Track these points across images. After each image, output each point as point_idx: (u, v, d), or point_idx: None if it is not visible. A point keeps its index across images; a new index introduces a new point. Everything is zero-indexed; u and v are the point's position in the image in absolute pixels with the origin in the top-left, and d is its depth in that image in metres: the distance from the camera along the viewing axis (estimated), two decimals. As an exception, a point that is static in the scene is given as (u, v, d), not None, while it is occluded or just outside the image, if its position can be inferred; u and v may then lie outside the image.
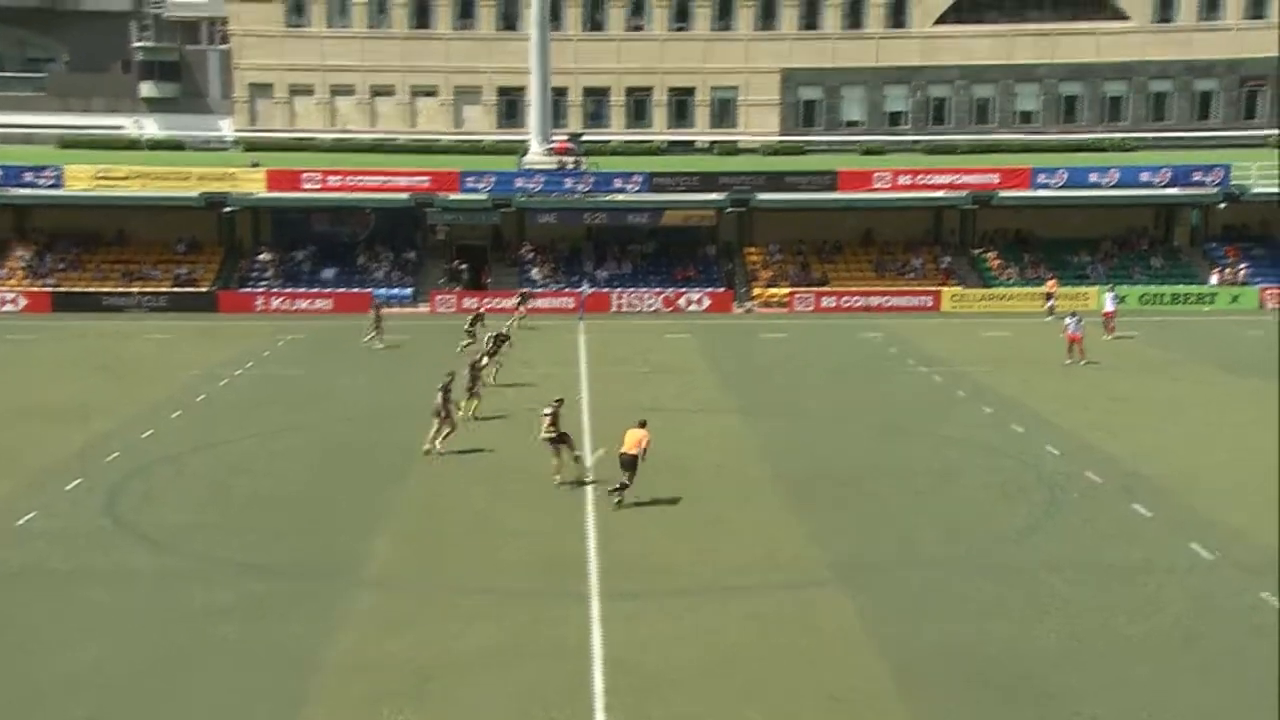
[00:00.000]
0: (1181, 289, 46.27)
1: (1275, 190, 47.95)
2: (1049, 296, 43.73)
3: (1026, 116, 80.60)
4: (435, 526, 19.53)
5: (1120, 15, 79.26)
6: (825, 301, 46.86)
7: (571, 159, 52.79)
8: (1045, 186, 48.57)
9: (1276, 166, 49.77)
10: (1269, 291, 45.98)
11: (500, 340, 31.89)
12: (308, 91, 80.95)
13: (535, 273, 48.96)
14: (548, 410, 21.75)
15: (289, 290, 47.03)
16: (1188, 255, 48.97)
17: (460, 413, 25.06)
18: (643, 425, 20.50)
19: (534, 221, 49.89)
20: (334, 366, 34.50)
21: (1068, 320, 34.78)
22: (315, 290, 47.20)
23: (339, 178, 48.95)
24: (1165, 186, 48.15)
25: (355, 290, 46.96)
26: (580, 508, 20.33)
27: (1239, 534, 18.89)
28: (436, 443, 23.68)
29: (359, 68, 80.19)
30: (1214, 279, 47.08)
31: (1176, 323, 41.90)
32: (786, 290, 47.40)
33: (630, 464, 20.17)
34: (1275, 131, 76.07)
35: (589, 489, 21.24)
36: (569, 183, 49.50)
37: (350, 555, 18.13)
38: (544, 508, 20.38)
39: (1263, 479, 22.14)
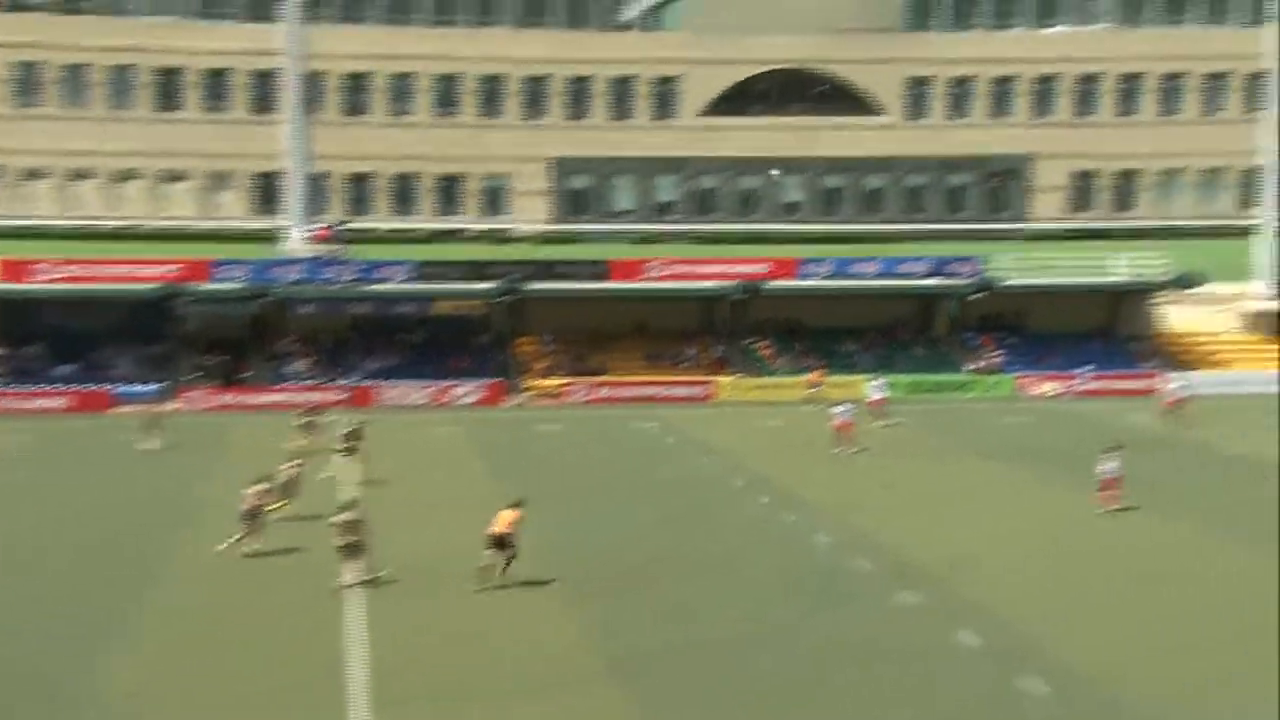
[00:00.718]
0: (942, 377, 48.83)
1: (1027, 281, 51.39)
2: (812, 385, 45.24)
3: (792, 207, 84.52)
4: (196, 635, 18.71)
5: (877, 111, 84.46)
6: (600, 392, 47.35)
7: (334, 247, 52.03)
8: (812, 276, 50.55)
9: (1026, 258, 53.44)
10: (1023, 379, 49.02)
11: (354, 435, 31.60)
12: (43, 175, 77.37)
13: (298, 365, 47.74)
14: (342, 517, 21.27)
15: (18, 389, 44.47)
16: (947, 344, 51.80)
17: (271, 513, 24.30)
18: (515, 506, 21.23)
19: (295, 312, 48.77)
20: (75, 469, 32.66)
21: (837, 409, 36.08)
22: (49, 388, 44.77)
23: (76, 267, 46.82)
24: (924, 277, 50.87)
25: (94, 387, 44.78)
26: (353, 612, 19.85)
27: (1004, 620, 19.78)
28: (240, 543, 23.09)
29: (99, 151, 77.23)
30: (971, 367, 49.89)
31: (938, 410, 44.03)
32: (561, 381, 47.68)
33: (498, 543, 20.71)
34: (1023, 224, 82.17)
35: (365, 592, 20.77)
36: (331, 271, 48.70)
37: (80, 669, 17.07)
38: (317, 613, 19.80)
39: (1024, 563, 23.39)
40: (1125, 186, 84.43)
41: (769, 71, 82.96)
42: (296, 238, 53.14)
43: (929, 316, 52.75)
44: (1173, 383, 42.09)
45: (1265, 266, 53.82)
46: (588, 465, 33.58)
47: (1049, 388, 48.17)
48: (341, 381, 46.63)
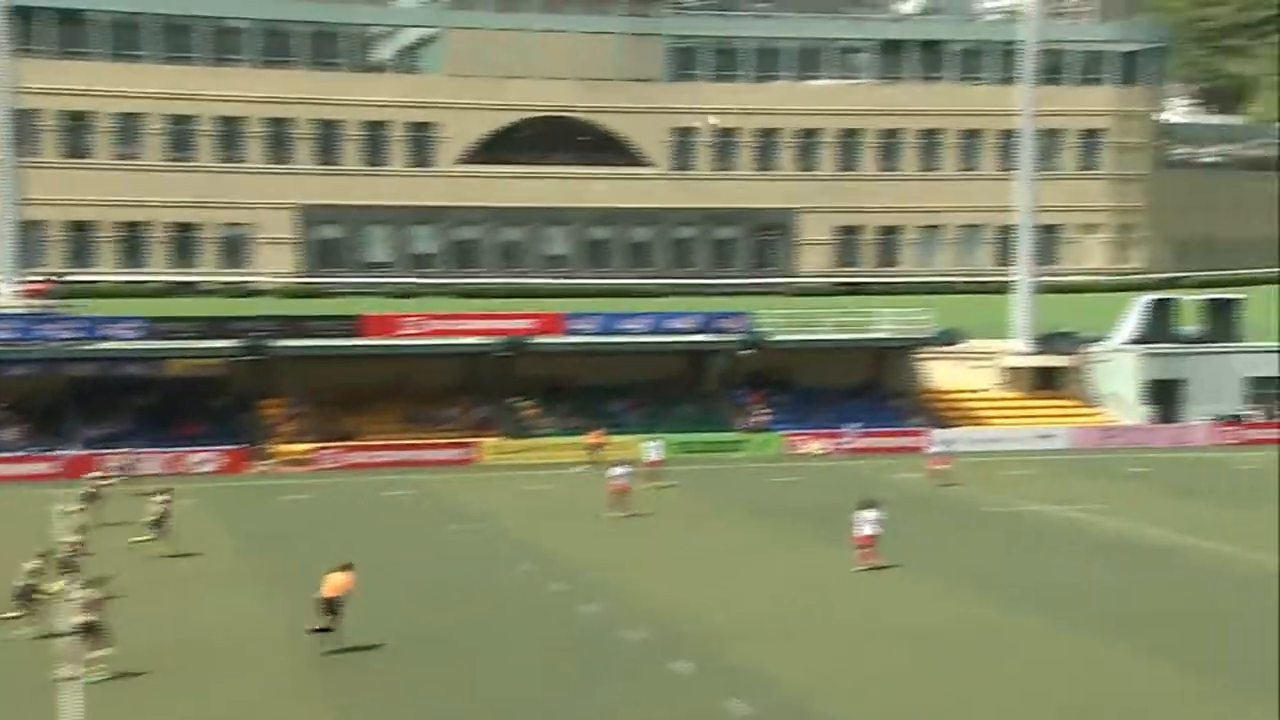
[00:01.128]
0: (712, 436, 50.08)
1: (794, 337, 53.35)
2: (593, 446, 45.34)
3: (557, 260, 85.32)
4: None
5: (643, 161, 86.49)
6: (353, 457, 46.60)
7: (50, 302, 49.72)
8: (578, 333, 51.19)
9: (793, 314, 55.49)
10: (791, 437, 50.68)
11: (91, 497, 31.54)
12: None
13: (4, 434, 45.23)
14: (80, 594, 20.67)
15: None
16: (716, 402, 53.19)
17: (49, 593, 23.39)
18: (346, 569, 21.71)
19: (4, 374, 46.29)
20: None
21: (616, 470, 36.37)
22: None
23: None
24: (693, 333, 52.18)
25: None
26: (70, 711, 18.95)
27: (775, 684, 20.36)
28: (14, 622, 22.72)
29: None
30: (741, 426, 51.31)
31: (709, 471, 45.10)
32: (310, 446, 46.71)
33: (328, 607, 21.20)
34: (790, 279, 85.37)
35: (94, 683, 19.88)
36: (47, 329, 46.49)
37: None
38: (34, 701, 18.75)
39: (799, 625, 24.21)
40: (888, 242, 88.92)
41: (532, 118, 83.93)
42: (6, 292, 50.51)
43: (698, 374, 54.02)
44: (934, 443, 44.23)
45: (1021, 323, 57.45)
46: (339, 537, 32.94)
47: (817, 446, 49.98)
48: (59, 451, 44.40)
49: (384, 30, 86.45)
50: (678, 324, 52.71)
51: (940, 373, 56.38)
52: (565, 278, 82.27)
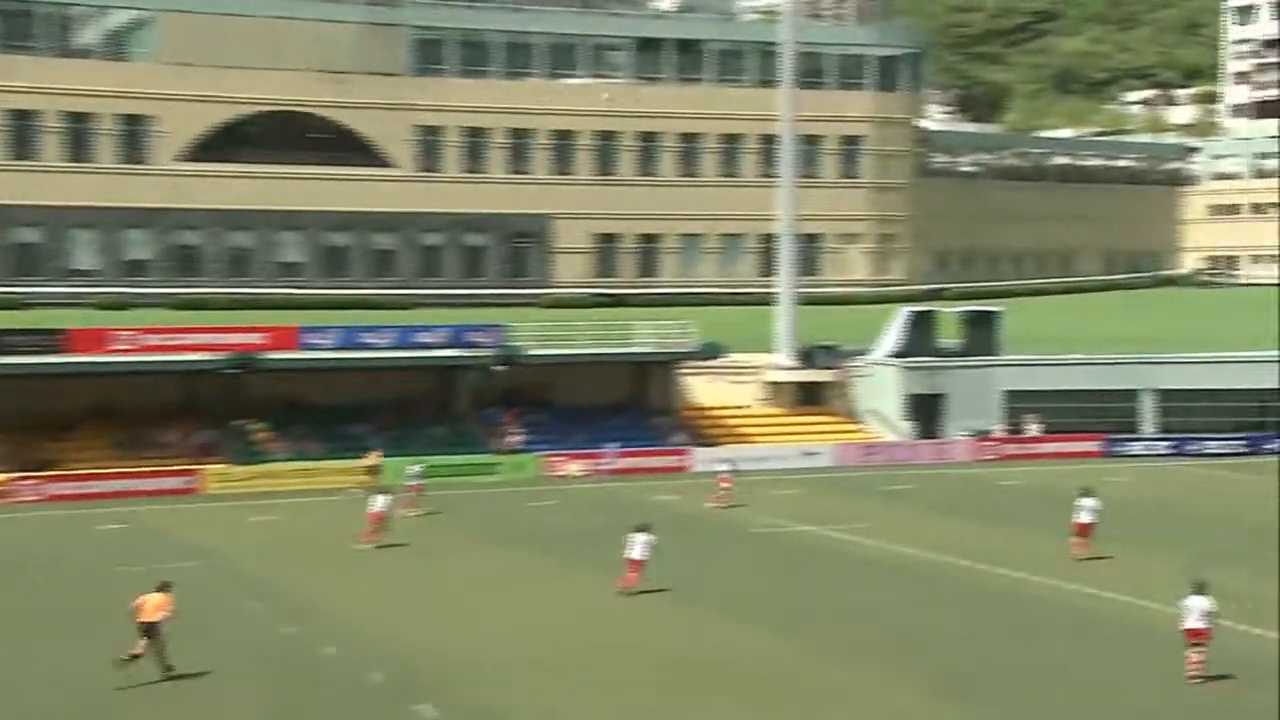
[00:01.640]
0: (465, 459, 49.71)
1: (550, 352, 53.54)
2: (371, 470, 44.56)
3: (291, 269, 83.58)
4: None
5: (386, 162, 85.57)
6: (57, 488, 44.50)
7: None
8: (315, 348, 50.21)
9: (550, 327, 55.77)
10: (549, 458, 50.85)
11: None
12: None
13: None
14: None
15: None
16: (469, 422, 52.89)
17: None
18: (163, 589, 22.22)
19: None
20: None
21: (378, 498, 36.04)
22: None
23: None
24: (443, 348, 51.77)
25: None
26: None
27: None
28: None
29: None
30: (495, 447, 51.20)
31: (462, 495, 44.75)
32: (4, 477, 44.34)
33: (147, 632, 21.74)
34: (545, 290, 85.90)
35: None
36: None
37: None
38: None
39: (554, 659, 24.28)
40: (648, 250, 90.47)
41: (262, 113, 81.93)
42: None
43: (448, 392, 53.63)
44: (720, 462, 45.12)
45: (784, 336, 59.23)
46: (33, 582, 31.34)
47: (576, 467, 50.36)
48: None
49: (88, 10, 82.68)
50: (425, 338, 52.27)
51: (702, 388, 57.50)
52: (300, 288, 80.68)
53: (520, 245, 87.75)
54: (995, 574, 31.98)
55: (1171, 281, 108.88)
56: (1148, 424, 56.55)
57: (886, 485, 47.49)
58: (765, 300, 65.13)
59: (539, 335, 53.99)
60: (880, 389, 57.10)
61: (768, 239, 79.14)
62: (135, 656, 21.63)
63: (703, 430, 55.27)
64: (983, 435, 55.41)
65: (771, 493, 45.30)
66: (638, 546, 29.06)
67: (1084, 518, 33.34)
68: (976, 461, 54.07)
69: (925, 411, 56.21)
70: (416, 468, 42.76)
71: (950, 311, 61.85)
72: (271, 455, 48.61)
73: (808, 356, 58.59)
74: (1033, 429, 55.64)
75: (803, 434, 55.84)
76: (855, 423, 57.55)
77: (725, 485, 43.34)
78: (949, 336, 59.44)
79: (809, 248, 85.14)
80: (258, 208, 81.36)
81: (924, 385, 56.37)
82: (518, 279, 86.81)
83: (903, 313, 59.30)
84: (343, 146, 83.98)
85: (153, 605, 22.02)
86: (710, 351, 55.48)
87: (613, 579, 29.26)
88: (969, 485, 48.17)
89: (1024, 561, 33.00)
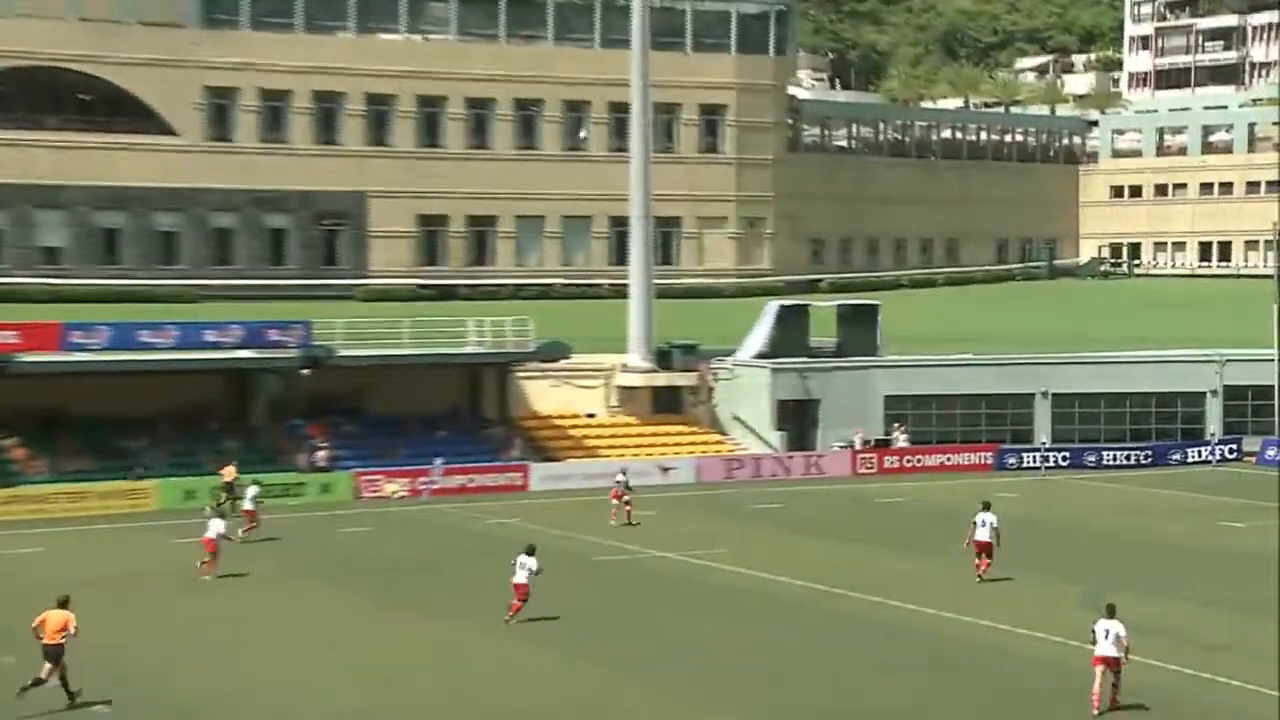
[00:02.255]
0: (263, 478, 48.85)
1: (366, 353, 53.21)
2: (227, 486, 44.67)
3: (52, 254, 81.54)
4: None
5: (168, 129, 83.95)
6: None
7: None
8: (82, 349, 49.26)
9: (365, 324, 55.54)
10: (365, 477, 50.53)
11: None
12: None
13: None
14: None
15: None
16: (269, 435, 52.40)
17: None
18: (64, 605, 23.40)
19: None
20: None
21: (213, 522, 36.05)
22: None
23: None
24: (236, 348, 51.17)
25: None
26: None
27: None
28: None
29: None
30: (301, 464, 50.79)
31: (267, 521, 43.85)
32: None
33: (52, 655, 22.86)
34: (361, 281, 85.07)
35: None
36: None
37: None
38: None
39: (374, 712, 24.19)
40: (480, 235, 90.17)
41: (12, 69, 79.75)
42: None
43: (243, 400, 53.03)
44: (618, 474, 45.33)
45: (637, 334, 59.18)
46: None
47: (396, 487, 50.23)
48: None
49: None
50: (215, 337, 51.61)
51: (543, 395, 57.67)
52: (62, 277, 78.76)
53: (329, 228, 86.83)
54: (871, 602, 32.71)
55: (1069, 272, 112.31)
56: (1042, 433, 58.00)
57: (753, 504, 48.15)
58: (616, 293, 65.79)
59: (352, 333, 53.59)
60: (746, 394, 57.84)
61: (618, 223, 79.43)
62: (35, 684, 22.77)
63: (544, 443, 55.45)
64: (865, 446, 56.35)
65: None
66: (521, 571, 29.88)
67: (982, 535, 34.16)
68: (854, 476, 55.06)
69: (797, 420, 57.05)
70: (254, 488, 42.75)
71: (825, 306, 62.83)
72: (28, 476, 47.57)
73: (664, 357, 59.04)
74: (900, 439, 56.80)
75: (659, 446, 56.37)
76: (718, 433, 58.21)
77: (619, 499, 43.93)
78: (823, 334, 60.30)
79: (665, 232, 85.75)
80: (10, 181, 79.14)
81: (795, 390, 57.23)
82: (326, 268, 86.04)
83: (771, 307, 60.08)
84: (115, 110, 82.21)
85: (55, 624, 23.25)
86: (552, 352, 55.67)
87: (436, 618, 29.06)
88: (845, 503, 49.07)
89: (903, 588, 33.81)
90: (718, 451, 56.66)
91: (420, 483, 50.39)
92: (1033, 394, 58.57)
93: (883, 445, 56.88)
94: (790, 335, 58.54)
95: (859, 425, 56.82)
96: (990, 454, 57.02)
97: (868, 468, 55.87)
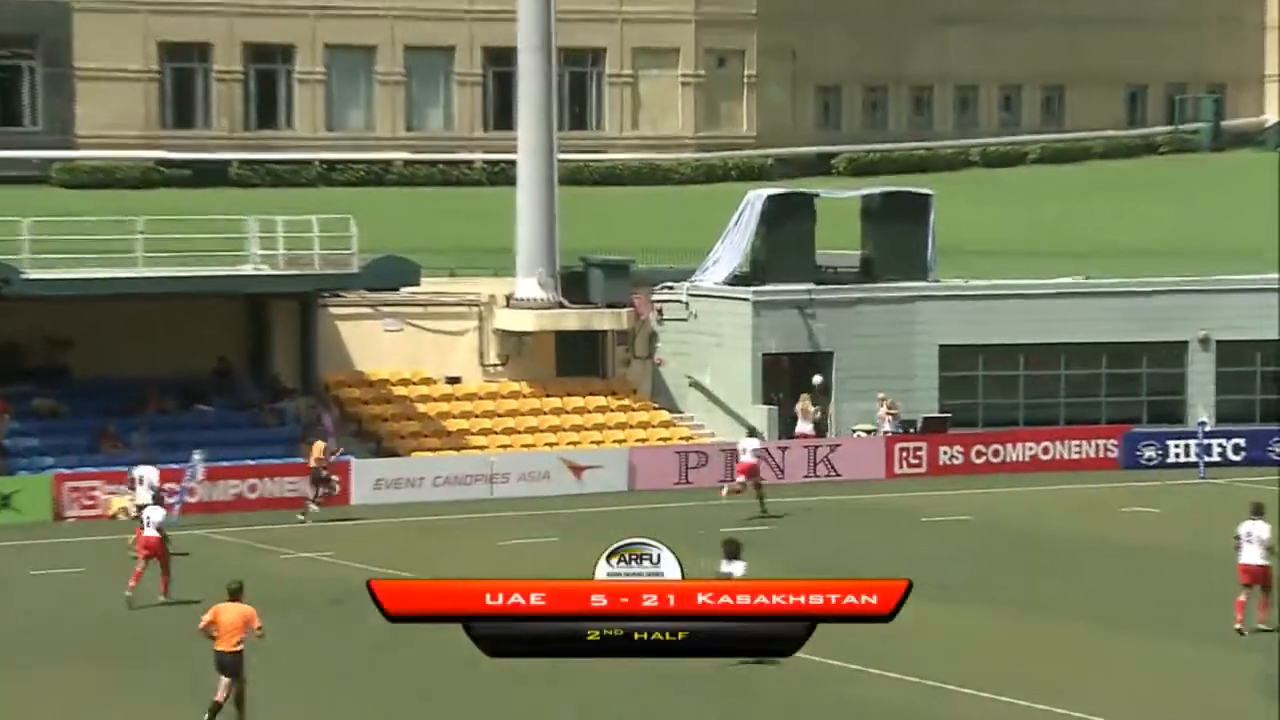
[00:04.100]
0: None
1: (66, 277, 52.20)
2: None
3: None
4: None
5: None
6: None
7: None
8: None
9: (66, 225, 54.95)
10: (70, 483, 50.12)
11: None
12: None
13: None
14: None
15: None
16: None
17: None
18: (236, 595, 28.50)
19: None
20: None
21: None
22: None
23: None
24: None
25: None
26: None
27: None
28: None
29: None
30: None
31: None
32: None
33: (235, 666, 27.92)
34: (61, 154, 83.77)
35: None
36: None
37: None
38: None
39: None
40: (264, 74, 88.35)
41: None
42: None
43: None
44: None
45: (530, 244, 58.16)
46: None
47: (124, 501, 48.99)
48: None
49: None
50: None
51: (375, 346, 57.92)
52: None
53: (4, 64, 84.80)
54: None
55: (1247, 140, 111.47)
56: (1201, 406, 58.11)
57: (726, 523, 45.91)
58: (495, 177, 65.80)
59: (47, 244, 52.78)
60: (712, 344, 58.13)
61: (497, 59, 78.28)
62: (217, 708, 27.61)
63: (375, 425, 55.82)
64: (899, 430, 56.40)
65: (497, 544, 46.18)
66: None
67: (1252, 556, 36.01)
68: (889, 478, 55.23)
69: (794, 386, 57.01)
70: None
71: (842, 197, 63.09)
72: None
73: (577, 283, 58.97)
74: (886, 415, 56.51)
75: (566, 430, 56.89)
76: (664, 408, 58.72)
77: (743, 477, 48.05)
78: (840, 245, 60.37)
79: (578, 75, 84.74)
80: None
81: (793, 336, 57.39)
82: (1, 130, 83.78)
83: (754, 199, 59.74)
84: None
85: (233, 623, 28.04)
86: (389, 275, 55.08)
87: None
88: (886, 523, 48.87)
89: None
90: (663, 440, 56.82)
91: (167, 491, 48.21)
92: (1185, 342, 58.86)
93: (936, 428, 56.38)
94: (785, 246, 58.42)
95: (896, 394, 56.57)
96: (1115, 442, 56.90)
97: (913, 464, 55.54)
